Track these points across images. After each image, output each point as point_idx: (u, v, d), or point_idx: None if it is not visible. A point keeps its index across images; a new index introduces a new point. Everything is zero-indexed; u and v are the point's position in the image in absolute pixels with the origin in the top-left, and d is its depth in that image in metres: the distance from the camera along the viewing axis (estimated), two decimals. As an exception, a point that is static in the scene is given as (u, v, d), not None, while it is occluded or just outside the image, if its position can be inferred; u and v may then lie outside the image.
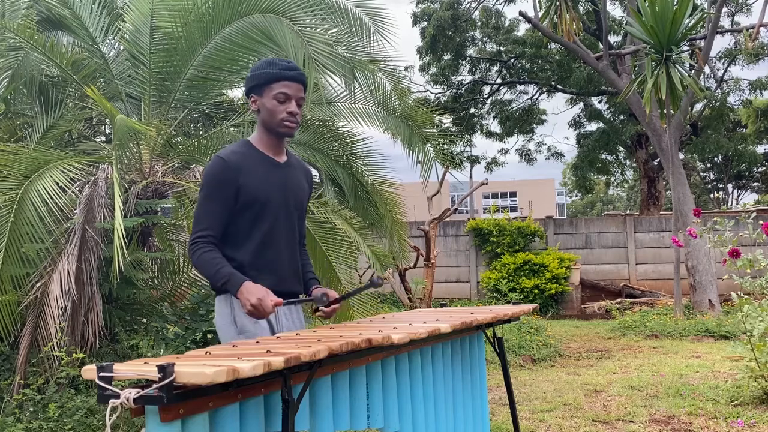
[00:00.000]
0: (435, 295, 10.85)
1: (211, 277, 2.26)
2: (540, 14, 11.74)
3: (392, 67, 5.56)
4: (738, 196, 31.49)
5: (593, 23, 15.99)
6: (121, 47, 5.21)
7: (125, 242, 3.70)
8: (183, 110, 5.24)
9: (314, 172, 6.10)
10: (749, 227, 5.08)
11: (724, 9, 15.26)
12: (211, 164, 2.32)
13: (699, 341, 8.14)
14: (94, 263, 4.22)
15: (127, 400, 1.39)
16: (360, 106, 5.73)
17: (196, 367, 1.43)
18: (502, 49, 18.61)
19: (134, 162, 4.83)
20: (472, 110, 19.34)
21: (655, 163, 17.36)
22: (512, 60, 18.62)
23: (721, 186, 30.85)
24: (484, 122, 19.81)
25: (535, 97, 19.34)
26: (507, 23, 18.36)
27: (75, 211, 4.37)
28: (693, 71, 10.35)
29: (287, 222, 2.43)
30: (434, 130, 6.32)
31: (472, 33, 18.37)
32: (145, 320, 4.85)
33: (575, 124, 19.71)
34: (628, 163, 21.41)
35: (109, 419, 1.40)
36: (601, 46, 12.62)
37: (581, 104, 19.25)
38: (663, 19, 9.00)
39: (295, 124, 2.40)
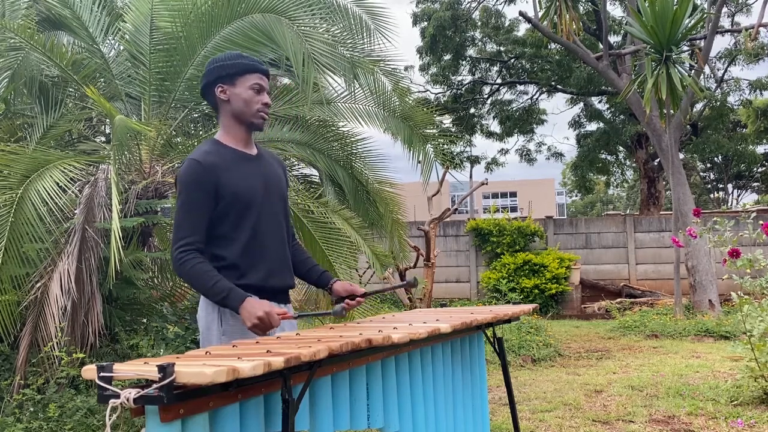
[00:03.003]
0: (435, 295, 10.85)
1: (207, 290, 2.17)
2: (540, 14, 11.74)
3: (392, 66, 5.56)
4: (738, 196, 31.53)
5: (593, 23, 15.99)
6: (121, 47, 5.21)
7: (122, 243, 3.69)
8: (183, 110, 5.24)
9: (314, 171, 6.11)
10: (749, 227, 5.08)
11: (724, 9, 15.26)
12: (186, 168, 2.25)
13: (699, 341, 8.14)
14: (94, 263, 4.22)
15: (127, 400, 1.39)
16: (360, 106, 5.73)
17: (196, 367, 1.43)
18: (502, 49, 18.61)
19: (134, 162, 4.83)
20: (472, 110, 19.33)
21: (655, 163, 17.35)
22: (512, 60, 18.62)
23: (721, 186, 30.85)
24: (484, 122, 19.82)
25: (535, 97, 19.35)
26: (507, 23, 18.36)
27: (75, 211, 4.37)
28: (693, 71, 10.35)
29: (272, 214, 2.38)
30: (434, 130, 6.32)
31: (472, 33, 18.37)
32: (145, 320, 4.85)
33: (575, 124, 19.71)
34: (628, 163, 21.41)
35: (109, 419, 1.40)
36: (601, 46, 12.62)
37: (581, 104, 19.26)
38: (663, 19, 9.00)
39: (267, 116, 2.40)
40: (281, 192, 2.46)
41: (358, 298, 2.45)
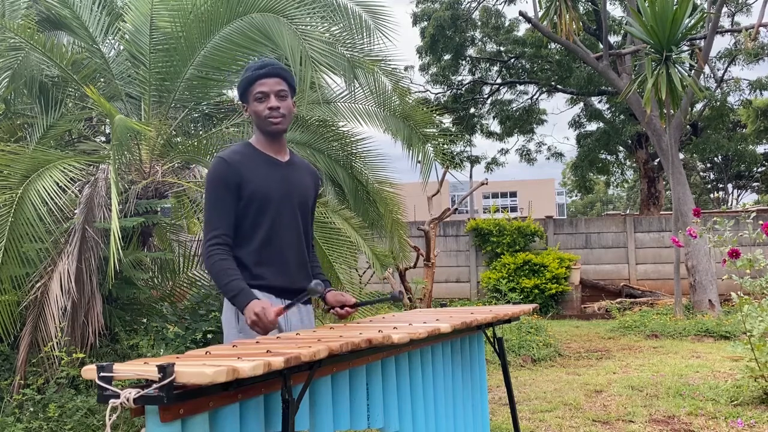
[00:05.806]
0: (435, 295, 10.84)
1: (222, 287, 2.28)
2: (540, 14, 11.74)
3: (392, 66, 5.55)
4: (738, 196, 31.53)
5: (593, 23, 15.99)
6: (121, 47, 5.20)
7: (122, 243, 3.69)
8: (183, 110, 5.23)
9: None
10: (749, 227, 5.08)
11: (724, 9, 15.27)
12: (214, 165, 2.36)
13: (699, 341, 8.14)
14: (94, 263, 4.22)
15: (127, 400, 1.39)
16: (360, 105, 5.73)
17: (196, 367, 1.43)
18: (502, 49, 18.61)
19: (134, 162, 4.83)
20: (472, 110, 19.33)
21: (655, 163, 17.35)
22: (512, 60, 18.62)
23: (721, 186, 30.85)
24: (484, 122, 19.82)
25: (535, 97, 19.35)
26: (507, 23, 18.36)
27: (75, 211, 4.37)
28: (693, 71, 10.35)
29: (291, 219, 2.43)
30: (434, 130, 6.31)
31: (472, 33, 18.37)
32: (145, 320, 4.85)
33: (575, 124, 19.72)
34: (628, 163, 21.42)
35: (109, 419, 1.40)
36: (601, 46, 12.62)
37: (581, 104, 19.26)
38: (663, 19, 8.99)
39: (280, 117, 2.39)
40: (304, 200, 2.51)
41: (347, 308, 2.51)
